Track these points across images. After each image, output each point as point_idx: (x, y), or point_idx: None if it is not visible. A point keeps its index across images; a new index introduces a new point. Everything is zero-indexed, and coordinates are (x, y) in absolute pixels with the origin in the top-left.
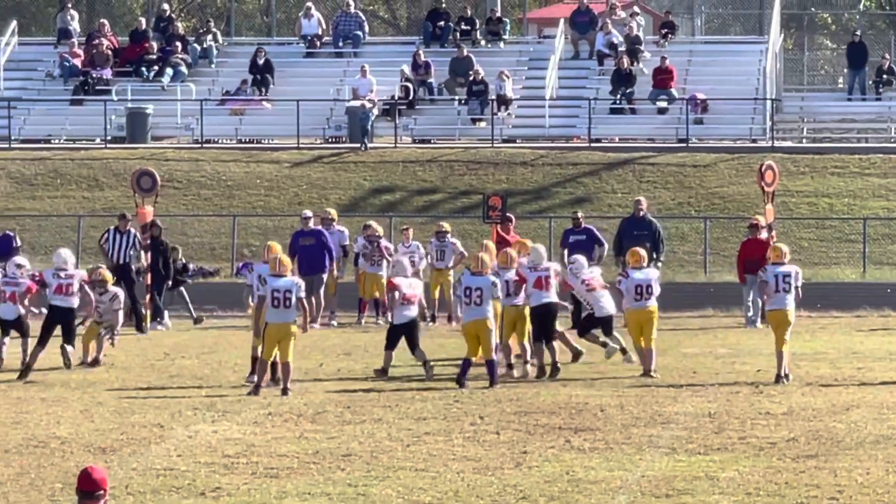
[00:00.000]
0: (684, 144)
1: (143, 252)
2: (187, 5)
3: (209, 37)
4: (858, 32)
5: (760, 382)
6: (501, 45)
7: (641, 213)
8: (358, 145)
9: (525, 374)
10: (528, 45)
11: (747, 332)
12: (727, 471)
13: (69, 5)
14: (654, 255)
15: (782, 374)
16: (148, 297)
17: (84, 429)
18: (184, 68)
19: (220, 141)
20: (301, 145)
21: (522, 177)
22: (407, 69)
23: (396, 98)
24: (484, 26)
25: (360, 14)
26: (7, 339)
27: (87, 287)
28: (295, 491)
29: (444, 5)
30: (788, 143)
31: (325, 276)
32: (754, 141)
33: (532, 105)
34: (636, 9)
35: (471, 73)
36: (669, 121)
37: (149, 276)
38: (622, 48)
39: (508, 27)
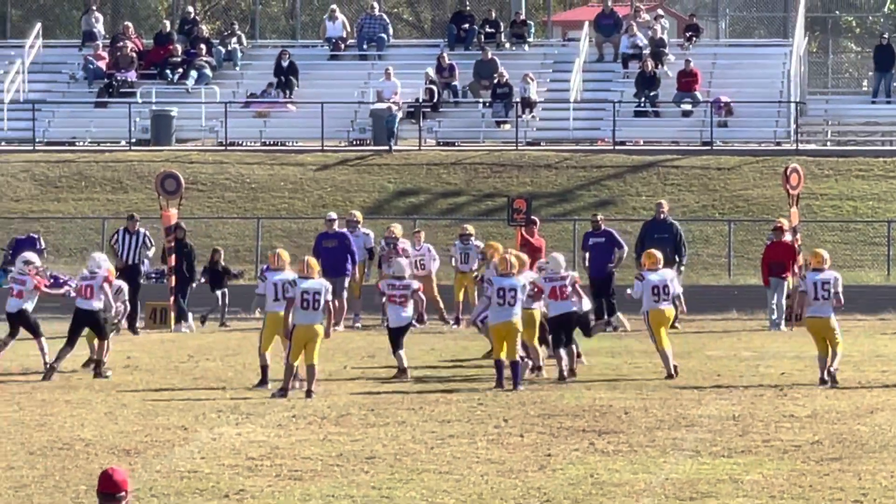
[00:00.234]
0: (708, 147)
1: (150, 251)
2: (212, 7)
3: (234, 39)
4: (886, 35)
5: (784, 385)
6: (526, 47)
7: (662, 217)
8: (383, 148)
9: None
10: (553, 48)
11: (771, 334)
12: (751, 474)
13: (94, 8)
14: (677, 259)
15: (825, 377)
16: (172, 299)
17: (108, 431)
18: (208, 71)
19: (244, 143)
20: (325, 148)
21: (546, 179)
22: (431, 72)
23: (421, 101)
24: (508, 29)
25: (385, 16)
26: (12, 342)
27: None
28: (319, 493)
29: (468, 8)
30: (813, 146)
31: (347, 279)
32: (778, 144)
33: (556, 108)
34: (660, 11)
35: (495, 75)
36: (694, 123)
37: (173, 278)
38: (646, 51)
39: (533, 30)
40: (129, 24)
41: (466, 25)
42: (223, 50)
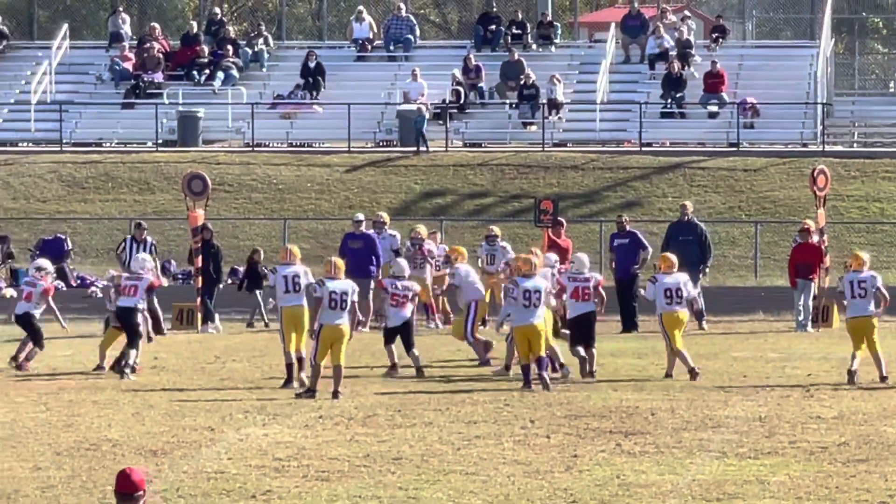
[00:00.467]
0: (735, 148)
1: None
2: (239, 9)
3: (260, 40)
4: None
5: (811, 385)
6: (552, 49)
7: (687, 218)
8: (411, 149)
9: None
10: (579, 49)
11: (798, 336)
12: (778, 475)
13: (121, 9)
14: (702, 260)
15: (884, 374)
16: (198, 300)
17: (135, 431)
18: (235, 72)
19: (270, 144)
20: (352, 149)
21: (573, 181)
22: (458, 73)
23: (447, 102)
24: (535, 30)
25: (412, 18)
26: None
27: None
28: (346, 494)
29: (495, 9)
30: (839, 148)
31: (372, 281)
32: (805, 145)
33: (583, 109)
34: (687, 13)
35: (522, 76)
36: (720, 125)
37: (200, 279)
38: (673, 52)
39: (559, 31)
40: (156, 25)
41: (493, 27)
42: (250, 51)
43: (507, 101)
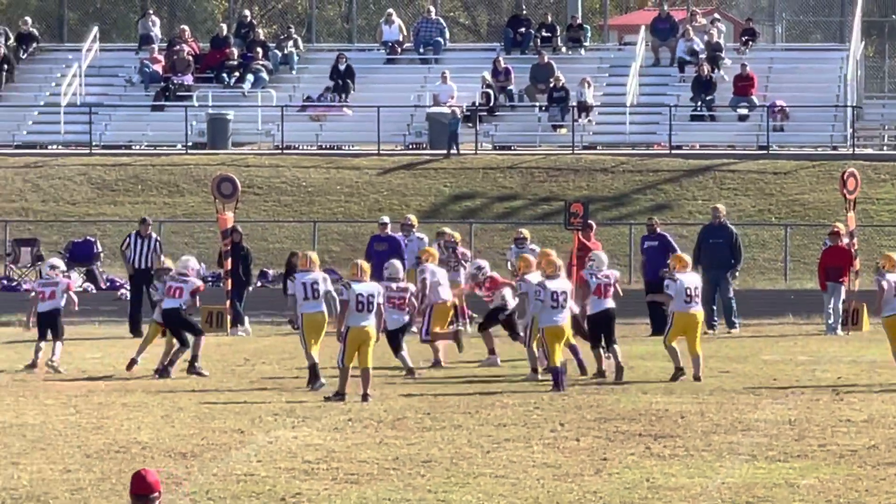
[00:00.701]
0: (765, 151)
1: (162, 256)
2: (268, 11)
3: (290, 43)
4: None
5: (840, 387)
6: (582, 51)
7: (719, 221)
8: (441, 152)
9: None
10: (609, 52)
11: (828, 339)
12: (807, 478)
13: (150, 12)
14: (732, 263)
15: None
16: (228, 302)
17: (165, 434)
18: (264, 74)
19: (300, 147)
20: (381, 151)
21: (603, 183)
22: (488, 76)
23: (477, 105)
24: (565, 33)
25: (441, 20)
26: (43, 344)
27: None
28: (375, 497)
29: (524, 12)
30: (869, 151)
31: None
32: (835, 148)
33: (613, 112)
34: (717, 15)
35: (551, 79)
36: (750, 128)
37: (229, 281)
38: (703, 55)
39: (589, 34)
40: (186, 28)
41: (523, 29)
42: (279, 53)
43: (537, 104)
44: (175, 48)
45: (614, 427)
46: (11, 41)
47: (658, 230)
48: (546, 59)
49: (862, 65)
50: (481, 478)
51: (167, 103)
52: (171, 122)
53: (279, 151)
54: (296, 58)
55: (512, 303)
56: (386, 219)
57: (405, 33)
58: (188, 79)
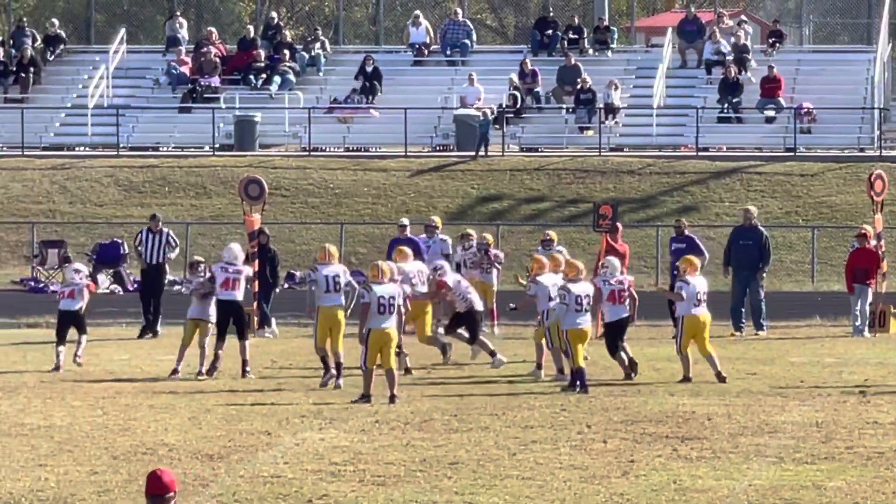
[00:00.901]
0: (792, 153)
1: (174, 252)
2: (295, 13)
3: (317, 45)
4: None
5: (867, 389)
6: (609, 53)
7: (749, 223)
8: (469, 153)
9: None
10: (636, 54)
11: (855, 341)
12: (834, 480)
13: (178, 14)
14: (760, 265)
15: None
16: (255, 304)
17: (192, 436)
18: (292, 76)
19: (327, 149)
20: (409, 153)
21: (630, 185)
22: (515, 77)
23: (504, 106)
24: (592, 35)
25: (468, 22)
26: (62, 347)
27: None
28: (402, 499)
29: (551, 14)
30: None
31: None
32: (862, 150)
33: (639, 114)
34: (744, 17)
35: (578, 81)
36: (777, 130)
37: (256, 283)
38: (730, 57)
39: (616, 36)
40: (213, 30)
41: (550, 31)
42: (306, 55)
43: (564, 106)
44: (202, 50)
45: (641, 429)
46: (39, 43)
47: (686, 232)
48: (573, 61)
49: (889, 66)
50: (508, 480)
51: (194, 105)
52: (198, 123)
53: (306, 153)
54: (323, 60)
55: (479, 305)
56: (405, 221)
57: (432, 35)
58: (215, 81)
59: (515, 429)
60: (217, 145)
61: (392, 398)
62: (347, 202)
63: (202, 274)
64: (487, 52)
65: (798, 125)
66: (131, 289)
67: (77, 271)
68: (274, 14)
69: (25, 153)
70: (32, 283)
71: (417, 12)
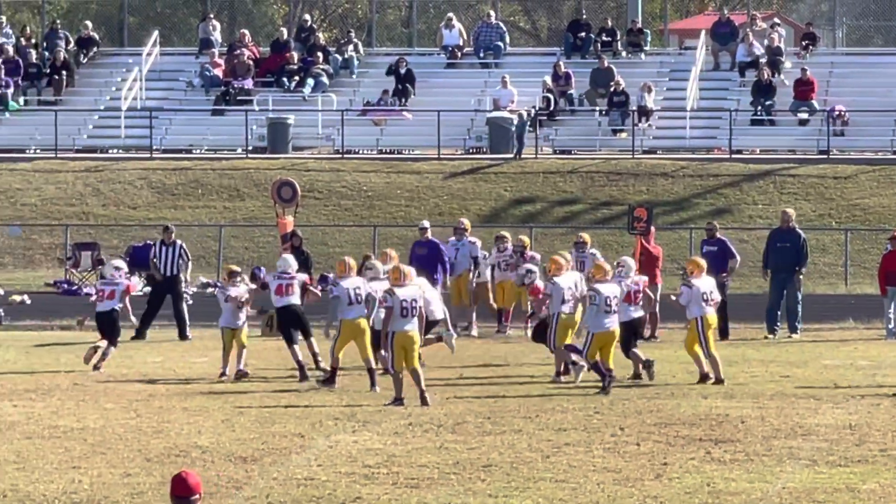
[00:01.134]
0: (825, 156)
1: (188, 264)
2: (329, 16)
3: (350, 47)
4: None
5: None
6: (642, 56)
7: (788, 226)
8: (502, 156)
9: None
10: (669, 57)
11: (888, 344)
12: (868, 483)
13: (211, 16)
14: (797, 267)
15: None
16: None
17: (225, 438)
18: (325, 78)
19: (360, 151)
20: (442, 156)
21: (663, 188)
22: (548, 80)
23: (537, 109)
24: (625, 37)
25: (501, 25)
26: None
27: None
28: (435, 501)
29: (584, 16)
30: None
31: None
32: (895, 153)
33: (673, 116)
34: (777, 20)
35: (612, 84)
36: (810, 132)
37: None
38: (763, 59)
39: (649, 38)
40: (246, 32)
41: (583, 34)
42: (339, 58)
43: (597, 109)
44: (235, 52)
45: (675, 432)
46: (72, 45)
47: (717, 235)
48: (606, 64)
49: None
50: (541, 482)
51: (227, 107)
52: (231, 126)
53: (339, 156)
54: (356, 62)
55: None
56: (426, 223)
57: (465, 38)
58: (248, 83)
59: (549, 431)
60: (250, 148)
61: (424, 400)
62: (380, 204)
63: (239, 283)
64: (520, 55)
65: (831, 128)
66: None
67: (117, 269)
68: (307, 16)
69: (59, 155)
70: (66, 286)
71: (450, 14)
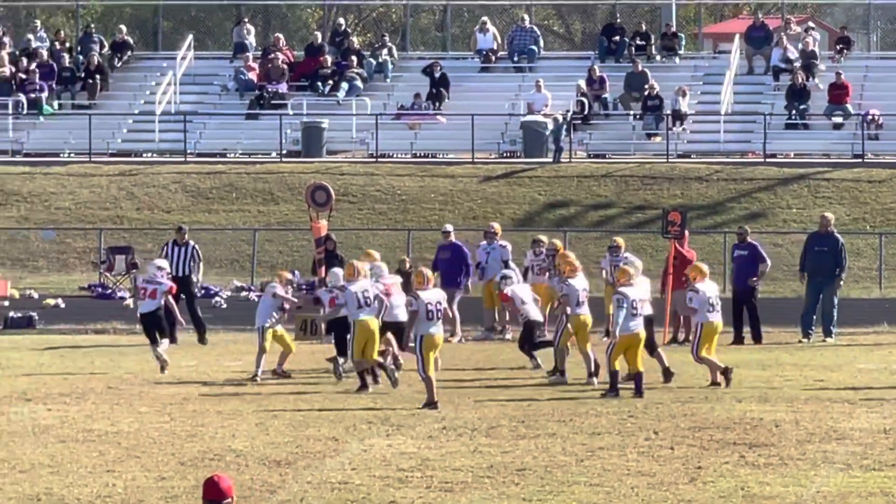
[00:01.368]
0: (860, 160)
1: (199, 265)
2: (363, 20)
3: (384, 51)
4: None
5: None
6: (676, 60)
7: (825, 230)
8: (537, 160)
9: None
10: (704, 60)
11: None
12: None
13: (245, 20)
14: (837, 272)
15: None
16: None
17: (259, 442)
18: (359, 82)
19: (394, 155)
20: (476, 160)
21: (697, 192)
22: (582, 84)
23: (572, 113)
24: (659, 41)
25: (535, 29)
26: (160, 347)
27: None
28: None
29: (619, 20)
30: None
31: (460, 291)
32: None
33: (707, 120)
34: (811, 24)
35: (646, 87)
36: (844, 136)
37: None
38: (797, 63)
39: (683, 42)
40: (280, 36)
41: (617, 38)
42: (374, 62)
43: (631, 112)
44: (269, 56)
45: (709, 436)
46: (106, 49)
47: (748, 239)
48: (640, 68)
49: None
50: (576, 486)
51: (262, 111)
52: (265, 130)
53: (373, 159)
54: (390, 66)
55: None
56: (449, 227)
57: (499, 42)
58: (283, 87)
59: (583, 435)
60: (284, 151)
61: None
62: (414, 208)
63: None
64: (554, 59)
65: (865, 131)
66: (199, 295)
67: (160, 268)
68: (341, 20)
69: (93, 159)
70: (100, 289)
71: (484, 18)
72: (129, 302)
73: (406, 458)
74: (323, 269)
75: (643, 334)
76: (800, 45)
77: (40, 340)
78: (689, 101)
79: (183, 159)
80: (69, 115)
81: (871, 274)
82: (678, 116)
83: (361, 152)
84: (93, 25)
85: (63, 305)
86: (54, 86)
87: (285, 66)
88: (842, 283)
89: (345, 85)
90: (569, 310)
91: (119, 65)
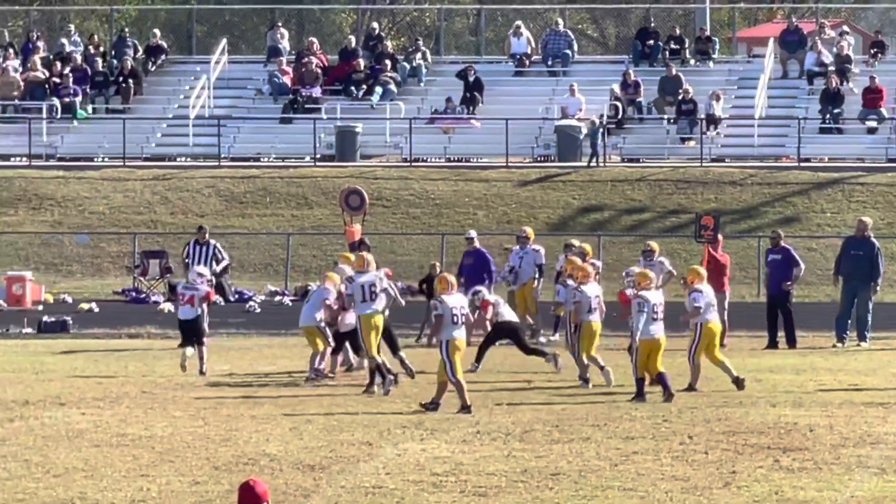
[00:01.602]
0: (894, 164)
1: (222, 263)
2: (397, 24)
3: (418, 55)
4: None
5: None
6: (711, 64)
7: (862, 234)
8: (571, 164)
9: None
10: (738, 65)
11: None
12: None
13: (279, 24)
14: (873, 277)
15: None
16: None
17: (293, 446)
18: (393, 87)
19: (428, 159)
20: (510, 164)
21: (731, 196)
22: (616, 88)
23: (606, 117)
24: (693, 45)
25: (569, 32)
26: (189, 350)
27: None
28: None
29: (653, 24)
30: None
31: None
32: None
33: (741, 124)
34: (845, 28)
35: (680, 91)
36: (879, 140)
37: None
38: (831, 67)
39: (718, 46)
40: (314, 40)
41: (651, 42)
42: (407, 66)
43: (666, 117)
44: (303, 60)
45: (743, 440)
46: (140, 54)
47: (781, 243)
48: (674, 72)
49: None
50: (609, 491)
51: (295, 115)
52: (299, 134)
53: (407, 164)
54: (424, 70)
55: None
56: (472, 233)
57: (533, 46)
58: (316, 91)
59: (617, 440)
60: (318, 156)
61: (436, 405)
62: (448, 213)
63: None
64: (588, 63)
65: None
66: (233, 299)
67: (200, 275)
68: (375, 24)
69: (127, 164)
70: (134, 294)
71: (518, 23)
72: (164, 306)
73: (440, 462)
74: None
75: (664, 339)
76: (834, 49)
77: (74, 345)
78: (724, 105)
79: (217, 164)
80: (103, 120)
81: None
82: (712, 120)
83: (395, 156)
84: (127, 30)
85: (97, 310)
86: (88, 90)
87: (319, 71)
88: (878, 288)
89: (378, 89)
90: (581, 316)
91: (153, 69)
